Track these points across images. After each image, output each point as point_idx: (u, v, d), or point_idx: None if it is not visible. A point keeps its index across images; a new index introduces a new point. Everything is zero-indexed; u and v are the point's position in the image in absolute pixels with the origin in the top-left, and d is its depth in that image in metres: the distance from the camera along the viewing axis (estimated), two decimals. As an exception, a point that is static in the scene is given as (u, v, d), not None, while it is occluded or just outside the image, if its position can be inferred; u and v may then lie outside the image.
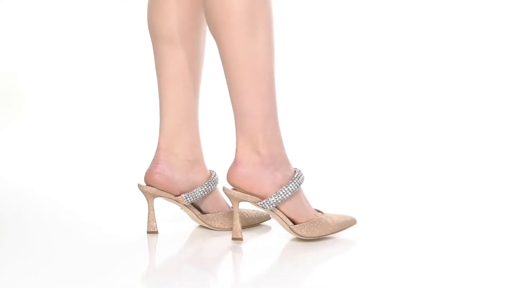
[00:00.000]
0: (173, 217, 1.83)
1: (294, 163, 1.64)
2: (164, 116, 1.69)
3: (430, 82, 2.80)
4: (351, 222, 1.63)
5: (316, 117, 2.75)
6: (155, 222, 1.67)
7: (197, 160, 1.71)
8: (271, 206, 1.55)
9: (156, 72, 1.67)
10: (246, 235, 1.64)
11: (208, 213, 1.71)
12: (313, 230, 1.58)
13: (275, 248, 1.57)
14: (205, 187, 1.70)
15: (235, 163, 1.57)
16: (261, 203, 1.55)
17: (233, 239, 1.57)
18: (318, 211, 1.63)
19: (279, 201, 1.55)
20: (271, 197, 1.55)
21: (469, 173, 2.25)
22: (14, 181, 2.25)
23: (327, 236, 1.60)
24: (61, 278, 1.39)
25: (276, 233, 1.67)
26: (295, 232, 1.57)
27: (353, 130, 2.68)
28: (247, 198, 1.56)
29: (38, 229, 1.74)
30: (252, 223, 1.72)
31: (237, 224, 1.57)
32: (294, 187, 1.56)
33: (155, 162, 1.69)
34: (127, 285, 1.36)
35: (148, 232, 1.67)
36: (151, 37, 1.67)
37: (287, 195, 1.55)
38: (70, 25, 2.91)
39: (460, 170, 2.31)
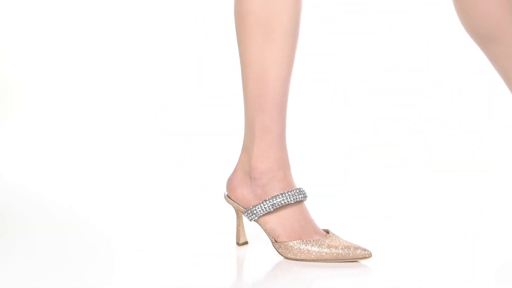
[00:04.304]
0: (183, 215, 1.82)
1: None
2: None
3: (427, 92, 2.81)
4: (355, 255, 1.47)
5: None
6: None
7: None
8: (252, 217, 1.51)
9: None
10: (251, 234, 1.64)
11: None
12: (296, 252, 1.48)
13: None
14: None
15: (234, 170, 1.55)
16: (245, 213, 1.53)
17: (237, 243, 1.57)
18: (326, 231, 1.53)
19: (260, 212, 1.50)
20: (252, 207, 1.51)
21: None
22: (17, 181, 2.24)
23: (322, 262, 1.49)
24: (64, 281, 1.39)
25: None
26: (276, 250, 1.51)
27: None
28: (238, 207, 1.54)
29: (51, 232, 1.74)
30: None
31: (239, 229, 1.57)
32: (280, 201, 1.50)
33: None
34: (127, 285, 1.36)
35: None
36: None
37: (268, 208, 1.49)
38: (69, 22, 2.91)
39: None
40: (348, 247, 1.46)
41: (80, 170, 2.37)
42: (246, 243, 1.58)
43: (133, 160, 2.43)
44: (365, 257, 1.45)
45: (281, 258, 1.50)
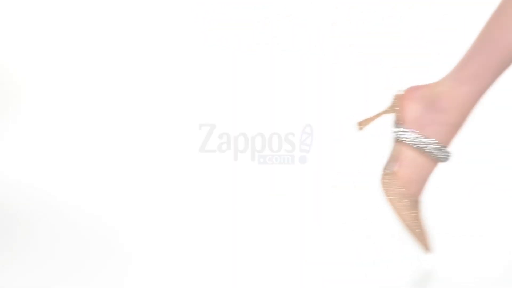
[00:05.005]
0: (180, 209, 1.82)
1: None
2: None
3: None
4: (422, 239, 1.47)
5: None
6: None
7: None
8: (398, 135, 1.46)
9: None
10: (250, 235, 1.64)
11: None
12: (398, 204, 1.45)
13: (283, 249, 1.57)
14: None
15: (427, 84, 1.48)
16: (397, 123, 1.47)
17: (359, 124, 1.52)
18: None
19: (408, 139, 1.45)
20: (407, 130, 1.46)
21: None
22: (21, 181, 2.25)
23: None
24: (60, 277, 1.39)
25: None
26: (382, 172, 1.46)
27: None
28: (394, 110, 1.47)
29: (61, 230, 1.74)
30: None
31: (375, 116, 1.50)
32: (429, 149, 1.45)
33: None
34: (130, 284, 1.36)
35: None
36: None
37: (416, 142, 1.45)
38: (69, 22, 2.91)
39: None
40: (425, 231, 1.44)
41: (79, 171, 2.37)
42: (361, 129, 1.51)
43: (133, 160, 2.44)
44: (424, 251, 1.44)
45: (282, 258, 1.50)
